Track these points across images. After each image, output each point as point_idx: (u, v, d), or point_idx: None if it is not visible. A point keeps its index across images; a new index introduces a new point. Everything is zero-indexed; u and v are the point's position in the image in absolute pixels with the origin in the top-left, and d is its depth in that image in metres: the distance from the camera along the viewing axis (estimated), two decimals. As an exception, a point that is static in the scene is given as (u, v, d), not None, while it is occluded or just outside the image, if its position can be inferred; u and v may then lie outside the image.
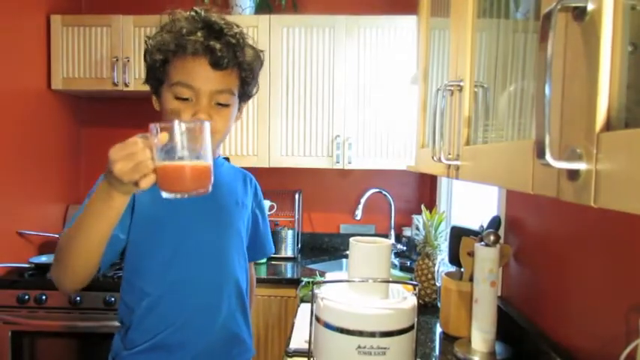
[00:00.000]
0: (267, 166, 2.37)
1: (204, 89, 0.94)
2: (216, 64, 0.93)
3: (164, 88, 0.97)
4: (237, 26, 0.99)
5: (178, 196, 0.77)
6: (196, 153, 0.77)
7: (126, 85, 2.30)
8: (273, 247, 1.35)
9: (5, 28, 2.08)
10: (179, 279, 1.00)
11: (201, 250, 1.02)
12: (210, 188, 0.79)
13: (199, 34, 0.93)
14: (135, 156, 0.71)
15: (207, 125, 0.78)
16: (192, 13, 0.96)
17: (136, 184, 0.73)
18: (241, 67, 0.98)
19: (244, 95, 1.04)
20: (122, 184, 0.73)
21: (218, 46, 0.93)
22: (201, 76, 0.94)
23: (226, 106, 0.98)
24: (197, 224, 1.03)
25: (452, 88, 0.94)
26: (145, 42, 1.00)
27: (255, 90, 1.09)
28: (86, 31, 2.35)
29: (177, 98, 0.94)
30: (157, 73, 0.98)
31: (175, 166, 0.75)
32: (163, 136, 0.73)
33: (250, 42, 1.02)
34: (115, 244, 0.94)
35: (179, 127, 0.75)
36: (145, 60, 1.00)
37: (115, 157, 0.72)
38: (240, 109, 1.08)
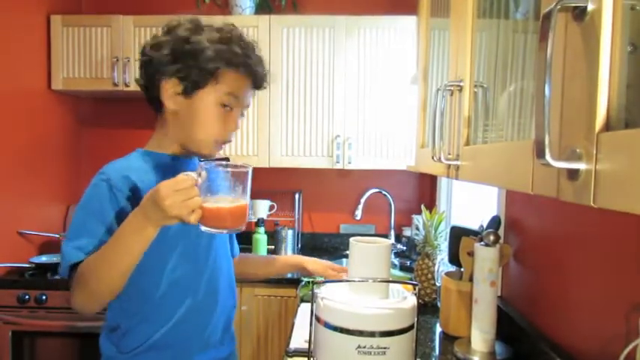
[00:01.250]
0: (267, 166, 2.37)
1: (245, 104, 1.03)
2: (257, 88, 1.05)
3: (205, 92, 0.98)
4: (256, 44, 1.06)
5: (215, 232, 0.86)
6: (237, 194, 0.85)
7: (126, 85, 2.30)
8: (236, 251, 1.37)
9: (5, 28, 2.08)
10: (177, 281, 1.01)
11: (195, 252, 1.04)
12: (244, 227, 0.88)
13: (250, 56, 1.01)
14: (186, 192, 0.79)
15: (250, 171, 0.86)
16: (231, 28, 1.01)
17: (186, 220, 0.80)
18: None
19: None
20: (165, 217, 0.80)
21: (261, 71, 1.03)
22: (247, 93, 1.03)
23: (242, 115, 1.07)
24: (191, 226, 1.03)
25: (452, 88, 0.94)
26: (187, 40, 0.97)
27: None
28: (86, 31, 2.35)
29: (224, 106, 1.00)
30: (203, 77, 0.97)
31: (218, 207, 0.83)
32: (203, 175, 0.82)
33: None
34: None
35: (225, 170, 0.85)
36: (185, 57, 0.97)
37: (167, 192, 0.79)
38: None
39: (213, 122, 0.99)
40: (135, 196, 0.95)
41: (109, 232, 0.91)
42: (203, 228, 0.84)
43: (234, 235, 1.32)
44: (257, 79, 1.03)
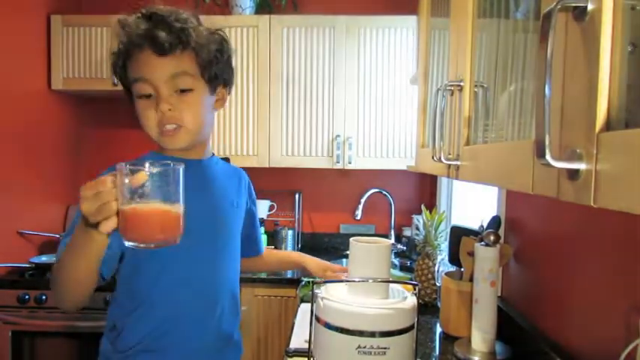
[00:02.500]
0: (267, 166, 2.37)
1: (156, 78, 0.92)
2: (159, 50, 0.91)
3: (132, 92, 0.97)
4: (186, 12, 0.97)
5: (142, 246, 0.70)
6: (166, 199, 0.71)
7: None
8: (263, 247, 1.38)
9: (5, 28, 2.08)
10: (175, 282, 1.00)
11: (196, 254, 1.01)
12: (178, 240, 0.74)
13: (142, 26, 0.93)
14: (100, 196, 0.68)
15: (180, 170, 0.73)
16: (138, 13, 0.96)
17: (98, 228, 0.69)
18: (193, 49, 0.95)
19: (213, 78, 0.99)
20: (90, 224, 0.71)
21: (160, 33, 0.91)
22: (150, 66, 0.92)
23: (190, 91, 0.95)
24: (193, 228, 1.02)
25: (452, 88, 0.94)
26: (111, 57, 1.01)
27: (227, 73, 1.04)
28: (86, 31, 2.35)
29: (140, 97, 0.95)
30: (123, 80, 0.99)
31: (141, 212, 0.69)
32: (134, 178, 0.68)
33: (204, 26, 1.00)
34: (113, 256, 0.94)
35: (150, 169, 0.69)
36: (113, 73, 1.02)
37: (83, 195, 0.69)
38: (221, 97, 1.05)
39: (142, 116, 0.95)
40: None
41: None
42: (126, 243, 0.70)
43: (258, 233, 1.32)
44: (155, 43, 0.91)
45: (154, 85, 0.93)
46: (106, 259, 0.88)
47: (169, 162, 0.72)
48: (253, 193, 1.28)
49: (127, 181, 0.68)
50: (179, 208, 0.73)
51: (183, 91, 0.94)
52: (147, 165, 0.70)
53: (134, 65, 0.95)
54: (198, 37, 0.95)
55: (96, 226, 0.70)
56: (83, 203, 0.69)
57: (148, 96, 0.93)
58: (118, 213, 0.69)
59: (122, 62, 0.97)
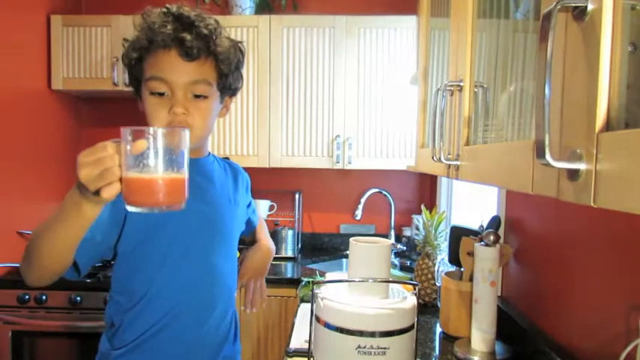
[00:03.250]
0: (267, 166, 2.37)
1: (177, 81, 0.92)
2: (186, 55, 0.92)
3: (142, 87, 0.97)
4: (211, 17, 0.98)
5: (145, 210, 0.69)
6: (171, 163, 0.69)
7: (126, 85, 2.28)
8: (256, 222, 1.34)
9: (5, 28, 2.08)
10: (171, 280, 0.99)
11: (192, 252, 1.02)
12: (184, 205, 0.72)
13: (169, 27, 0.92)
14: (102, 162, 0.66)
15: (186, 133, 0.71)
16: (164, 10, 0.96)
17: (98, 193, 0.67)
18: (216, 58, 0.97)
19: (226, 88, 1.02)
20: (89, 192, 0.68)
21: (188, 37, 0.91)
22: (173, 68, 0.92)
23: (204, 98, 0.96)
24: (189, 226, 1.02)
25: (452, 88, 0.94)
26: (123, 45, 1.00)
27: (239, 84, 1.06)
28: (86, 31, 2.35)
29: (153, 94, 0.94)
30: (134, 72, 0.98)
31: (144, 177, 0.67)
32: (138, 144, 0.66)
33: (226, 34, 1.01)
34: (94, 247, 0.91)
35: (154, 133, 0.68)
36: (123, 62, 1.00)
37: (82, 161, 0.67)
38: (226, 105, 1.07)
39: (152, 114, 0.94)
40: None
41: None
42: (129, 208, 0.69)
43: (254, 219, 1.29)
44: (183, 46, 0.91)
45: (172, 87, 0.93)
46: (87, 247, 0.86)
47: (175, 127, 0.70)
48: (249, 188, 1.28)
49: (129, 147, 0.67)
50: (184, 173, 0.71)
51: (197, 96, 0.95)
52: (151, 129, 0.68)
53: (154, 62, 0.94)
54: (221, 47, 0.97)
55: (97, 193, 0.67)
56: (83, 169, 0.66)
57: (161, 94, 0.94)
58: (120, 179, 0.67)
59: (139, 55, 0.96)
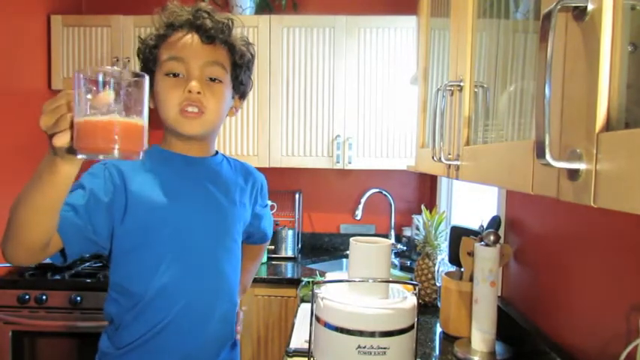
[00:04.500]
0: (267, 166, 2.37)
1: (194, 61, 0.95)
2: (206, 37, 0.96)
3: (156, 74, 0.98)
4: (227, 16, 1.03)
5: (100, 157, 0.66)
6: (128, 109, 0.65)
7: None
8: (270, 235, 1.37)
9: (6, 28, 2.08)
10: (168, 283, 0.98)
11: (191, 254, 1.00)
12: (142, 156, 0.67)
13: (188, 13, 0.97)
14: (59, 109, 0.64)
15: (145, 80, 0.68)
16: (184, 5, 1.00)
17: (52, 143, 0.65)
18: (230, 48, 1.01)
19: (237, 82, 1.04)
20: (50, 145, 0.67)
21: (208, 22, 0.96)
22: (192, 49, 0.95)
23: (219, 82, 0.98)
24: (189, 228, 1.01)
25: (452, 88, 0.94)
26: (139, 40, 1.03)
27: (248, 86, 1.09)
28: (86, 32, 2.35)
29: (168, 75, 0.95)
30: (149, 62, 1.00)
31: (96, 121, 0.63)
32: (101, 96, 0.63)
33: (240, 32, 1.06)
34: (80, 231, 0.90)
35: (107, 78, 0.64)
36: (138, 55, 1.02)
37: (43, 108, 0.65)
38: (235, 105, 1.08)
39: (166, 94, 0.95)
40: (123, 183, 0.96)
41: (91, 193, 0.91)
42: (80, 155, 0.65)
43: (263, 225, 1.29)
44: (202, 29, 0.96)
45: (188, 67, 0.95)
46: (74, 227, 0.87)
47: (133, 71, 0.68)
48: (265, 189, 1.26)
49: (83, 92, 0.63)
50: (141, 121, 0.67)
51: (212, 80, 0.98)
52: (103, 73, 0.64)
53: (171, 44, 0.97)
54: (235, 39, 1.02)
55: (51, 143, 0.66)
56: (42, 118, 0.65)
57: (176, 75, 0.95)
58: (72, 126, 0.64)
59: (155, 43, 0.99)
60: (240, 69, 1.03)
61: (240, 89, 1.07)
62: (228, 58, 1.01)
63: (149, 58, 1.00)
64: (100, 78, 0.64)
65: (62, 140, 0.65)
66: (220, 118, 1.02)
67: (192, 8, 0.99)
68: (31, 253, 0.82)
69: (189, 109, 0.95)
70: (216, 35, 0.97)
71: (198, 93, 0.94)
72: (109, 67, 0.66)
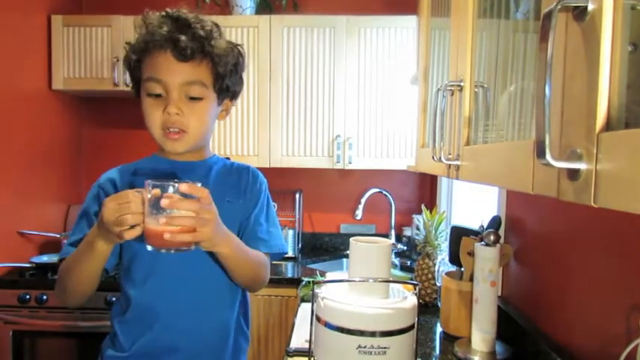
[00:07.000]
0: (268, 166, 2.37)
1: (171, 82, 0.93)
2: (180, 55, 0.92)
3: (141, 90, 0.98)
4: (210, 20, 0.99)
5: (162, 251, 0.82)
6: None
7: (126, 85, 2.30)
8: (284, 246, 1.21)
9: (6, 28, 2.08)
10: (160, 286, 0.98)
11: (183, 259, 0.96)
12: (193, 247, 0.84)
13: (165, 28, 0.93)
14: (124, 207, 0.78)
15: (207, 192, 0.84)
16: (163, 13, 0.97)
17: (120, 235, 0.78)
18: (212, 59, 0.96)
19: (223, 90, 1.01)
20: (108, 232, 0.80)
21: (182, 37, 0.92)
22: (168, 69, 0.93)
23: (199, 99, 0.96)
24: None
25: (452, 88, 0.94)
26: (124, 48, 1.01)
27: (239, 87, 1.06)
28: (87, 32, 2.35)
29: (150, 95, 0.95)
30: (134, 74, 1.00)
31: (158, 226, 0.79)
32: (159, 195, 0.78)
33: (225, 36, 1.01)
34: (114, 250, 0.95)
35: (173, 189, 0.80)
36: (124, 65, 1.02)
37: (107, 205, 0.79)
38: (226, 108, 1.06)
39: (148, 115, 0.96)
40: None
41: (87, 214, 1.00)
42: (149, 247, 0.82)
43: (259, 230, 1.13)
44: (177, 47, 0.92)
45: (167, 88, 0.94)
46: (111, 257, 0.94)
47: (198, 182, 0.84)
48: (263, 188, 1.20)
49: (149, 196, 0.79)
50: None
51: (192, 98, 0.96)
52: (171, 184, 0.80)
53: (150, 63, 0.95)
54: (218, 48, 0.97)
55: (119, 235, 0.78)
56: (105, 212, 0.78)
57: (157, 95, 0.94)
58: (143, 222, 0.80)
59: (137, 57, 0.97)
60: (223, 79, 0.99)
61: (229, 94, 1.04)
62: (210, 71, 0.97)
63: (134, 72, 0.99)
64: (171, 190, 0.80)
65: (132, 235, 0.79)
66: (205, 132, 1.01)
67: (172, 20, 0.95)
68: (86, 296, 0.98)
69: (171, 129, 0.95)
70: (193, 52, 0.93)
71: (178, 114, 0.94)
72: (172, 183, 0.82)
